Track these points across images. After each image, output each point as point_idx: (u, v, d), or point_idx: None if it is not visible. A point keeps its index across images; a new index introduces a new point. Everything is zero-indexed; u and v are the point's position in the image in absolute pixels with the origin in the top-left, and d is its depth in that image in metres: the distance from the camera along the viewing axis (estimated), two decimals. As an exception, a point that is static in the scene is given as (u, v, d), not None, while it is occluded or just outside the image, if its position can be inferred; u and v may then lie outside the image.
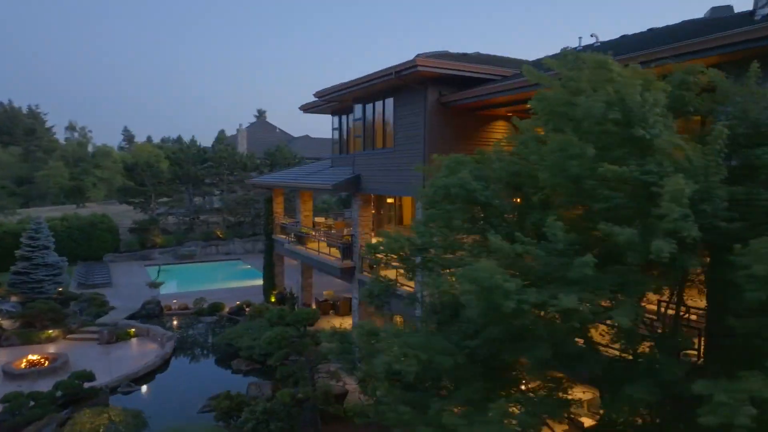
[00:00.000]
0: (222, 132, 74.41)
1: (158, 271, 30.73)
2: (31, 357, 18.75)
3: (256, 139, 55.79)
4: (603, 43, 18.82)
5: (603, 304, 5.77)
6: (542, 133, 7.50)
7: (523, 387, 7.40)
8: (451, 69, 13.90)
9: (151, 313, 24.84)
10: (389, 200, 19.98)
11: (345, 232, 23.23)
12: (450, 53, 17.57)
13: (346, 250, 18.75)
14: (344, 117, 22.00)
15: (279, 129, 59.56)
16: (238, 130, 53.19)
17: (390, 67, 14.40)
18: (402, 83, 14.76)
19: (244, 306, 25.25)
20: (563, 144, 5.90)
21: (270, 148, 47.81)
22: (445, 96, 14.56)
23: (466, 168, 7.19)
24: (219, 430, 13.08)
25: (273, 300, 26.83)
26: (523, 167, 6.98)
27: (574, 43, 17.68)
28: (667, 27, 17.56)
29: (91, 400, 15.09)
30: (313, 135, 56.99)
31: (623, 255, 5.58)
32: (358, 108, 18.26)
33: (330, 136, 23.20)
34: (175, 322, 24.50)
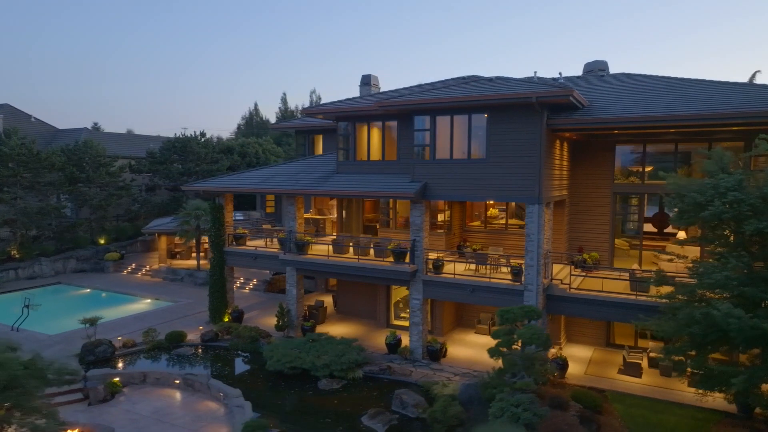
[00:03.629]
0: None
1: (26, 305, 22.97)
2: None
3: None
4: (566, 78, 24.69)
5: None
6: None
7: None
8: (573, 98, 17.15)
9: (102, 357, 19.30)
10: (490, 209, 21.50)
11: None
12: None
13: (407, 255, 19.46)
14: (355, 124, 21.89)
15: (35, 118, 47.17)
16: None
17: (529, 92, 16.67)
18: (522, 104, 17.17)
19: (217, 331, 21.95)
20: None
21: (68, 145, 38.54)
22: (556, 119, 17.69)
23: None
24: None
25: (227, 319, 23.95)
26: None
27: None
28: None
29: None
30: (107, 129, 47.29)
31: None
32: (422, 119, 19.24)
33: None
34: (121, 364, 19.58)
